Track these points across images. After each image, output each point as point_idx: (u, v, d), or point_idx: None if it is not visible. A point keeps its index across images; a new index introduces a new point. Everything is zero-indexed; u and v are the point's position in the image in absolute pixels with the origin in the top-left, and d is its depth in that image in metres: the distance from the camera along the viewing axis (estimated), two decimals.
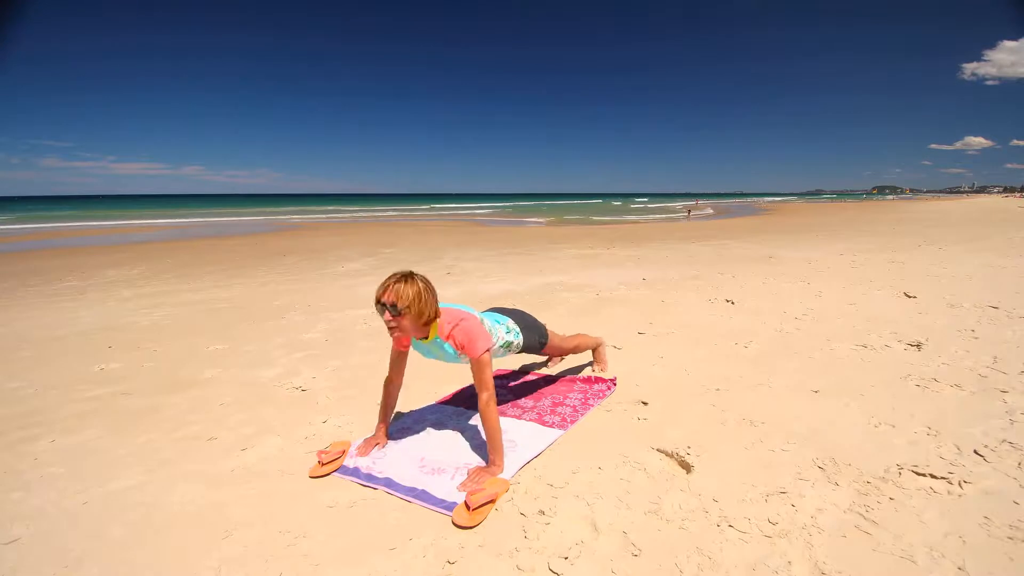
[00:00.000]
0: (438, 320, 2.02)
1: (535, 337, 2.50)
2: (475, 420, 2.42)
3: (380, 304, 1.92)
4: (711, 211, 32.37)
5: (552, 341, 2.63)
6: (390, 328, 1.96)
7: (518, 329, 2.42)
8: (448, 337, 2.03)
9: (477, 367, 2.01)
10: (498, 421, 1.98)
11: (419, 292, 1.92)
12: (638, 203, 51.25)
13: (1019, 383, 2.58)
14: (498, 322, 2.35)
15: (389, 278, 1.93)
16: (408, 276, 1.93)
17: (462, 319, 2.04)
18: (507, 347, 2.37)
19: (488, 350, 2.02)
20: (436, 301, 2.00)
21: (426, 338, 2.05)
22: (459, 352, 2.06)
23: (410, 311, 1.91)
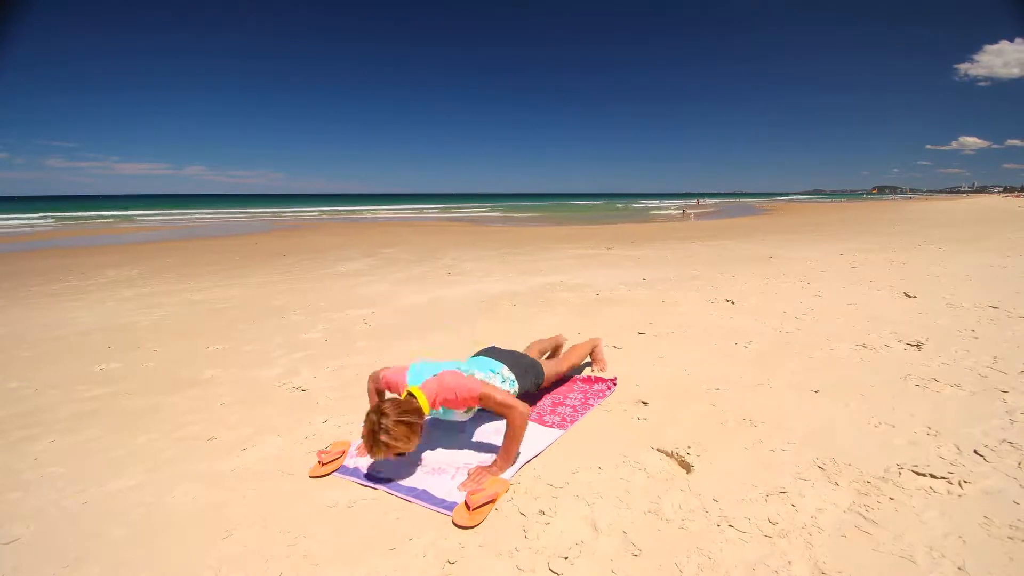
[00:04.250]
0: (424, 402, 1.95)
1: (531, 380, 2.42)
2: (476, 420, 2.42)
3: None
4: (712, 210, 32.38)
5: (548, 373, 2.56)
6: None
7: (513, 377, 2.31)
8: (440, 404, 1.99)
9: (487, 403, 1.98)
10: (523, 432, 1.95)
11: (401, 435, 1.81)
12: (645, 204, 51.06)
13: (1019, 383, 2.58)
14: (493, 371, 2.27)
15: (370, 450, 1.81)
16: (378, 436, 1.79)
17: (440, 381, 1.98)
18: None
19: (482, 382, 2.01)
20: (412, 413, 1.87)
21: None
22: (459, 410, 2.03)
23: (410, 444, 1.86)
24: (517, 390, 2.33)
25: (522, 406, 1.96)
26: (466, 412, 2.07)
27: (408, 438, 1.84)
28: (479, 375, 2.16)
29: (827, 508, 1.65)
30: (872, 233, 12.43)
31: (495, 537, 1.60)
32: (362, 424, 1.87)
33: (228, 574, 1.49)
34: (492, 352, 2.47)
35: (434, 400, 1.97)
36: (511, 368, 2.35)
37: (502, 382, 2.27)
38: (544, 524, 1.64)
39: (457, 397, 1.96)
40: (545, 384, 2.57)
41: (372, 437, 1.81)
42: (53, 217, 27.13)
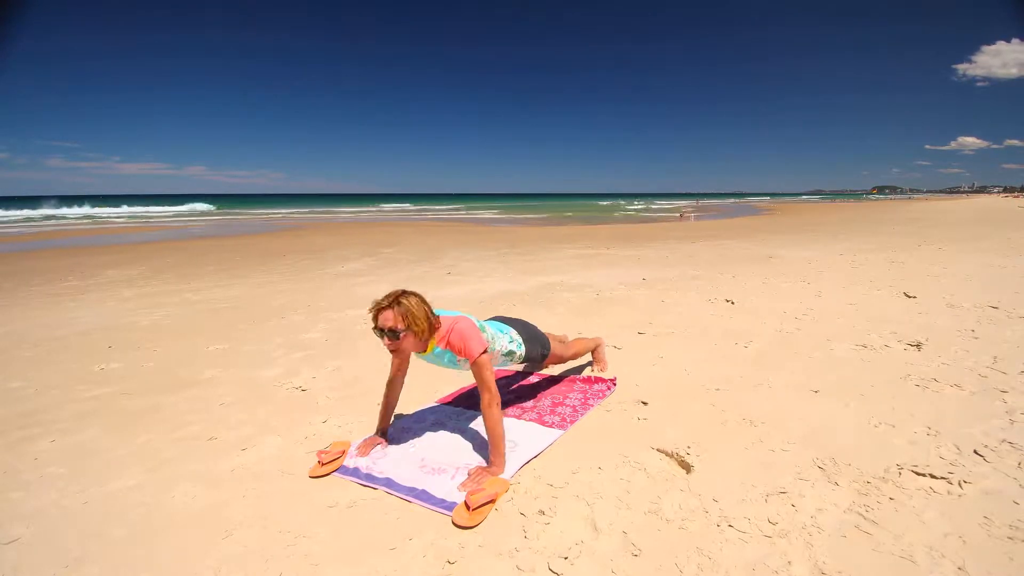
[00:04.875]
0: (436, 332, 2.01)
1: (538, 348, 2.47)
2: (475, 420, 2.42)
3: (378, 329, 1.91)
4: (710, 212, 32.37)
5: (554, 351, 2.61)
6: (391, 351, 1.97)
7: (521, 340, 2.38)
8: (446, 344, 2.03)
9: (476, 369, 2.00)
10: (500, 422, 1.97)
11: (414, 314, 1.89)
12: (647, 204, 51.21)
13: (1019, 383, 2.58)
14: (501, 331, 2.33)
15: (382, 301, 1.91)
16: (400, 297, 1.90)
17: (456, 323, 2.03)
18: (509, 356, 2.34)
19: (485, 351, 2.02)
20: (431, 316, 1.98)
21: (424, 351, 2.05)
22: (458, 358, 2.05)
23: (409, 332, 1.91)
24: (524, 353, 2.39)
25: (496, 394, 1.99)
26: (462, 362, 2.09)
27: (418, 320, 1.89)
28: (490, 331, 2.21)
29: (827, 508, 1.65)
30: (872, 233, 12.43)
31: (495, 537, 1.59)
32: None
33: (228, 574, 1.49)
34: (502, 319, 2.52)
35: (445, 335, 2.01)
36: (519, 333, 2.41)
37: (509, 342, 2.32)
38: (544, 524, 1.64)
39: (462, 344, 1.99)
40: (550, 361, 2.64)
41: (390, 297, 1.88)
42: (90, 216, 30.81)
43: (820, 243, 10.18)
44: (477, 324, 2.14)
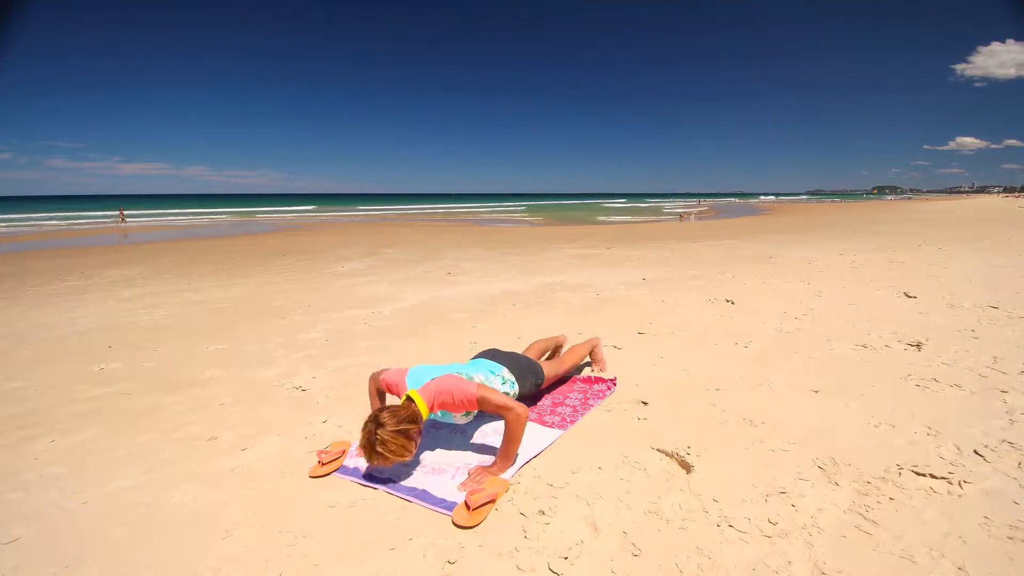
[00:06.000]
0: (422, 406, 1.95)
1: (531, 381, 2.42)
2: (476, 420, 2.42)
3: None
4: (712, 213, 32.38)
5: (548, 376, 2.56)
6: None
7: (513, 379, 2.32)
8: (438, 407, 1.99)
9: (485, 405, 1.97)
10: (522, 433, 1.94)
11: (392, 450, 1.79)
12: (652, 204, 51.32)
13: (1019, 383, 2.58)
14: (492, 372, 2.28)
15: (364, 452, 1.83)
16: (373, 445, 1.79)
17: (436, 385, 1.98)
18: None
19: (479, 385, 2.00)
20: (404, 417, 1.86)
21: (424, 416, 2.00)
22: (456, 413, 2.03)
23: (407, 453, 1.84)
24: (517, 391, 2.33)
25: (520, 407, 1.96)
26: (464, 415, 2.07)
27: (405, 448, 1.84)
28: (479, 377, 2.16)
29: (827, 508, 1.65)
30: (872, 233, 12.43)
31: (495, 537, 1.60)
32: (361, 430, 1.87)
33: (228, 574, 1.49)
34: (492, 354, 2.48)
35: (432, 403, 1.97)
36: (511, 370, 2.35)
37: (502, 383, 2.27)
38: (544, 524, 1.64)
39: (455, 400, 1.96)
40: (544, 384, 2.57)
41: (369, 448, 1.81)
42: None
43: (820, 243, 10.18)
44: (464, 375, 2.09)
